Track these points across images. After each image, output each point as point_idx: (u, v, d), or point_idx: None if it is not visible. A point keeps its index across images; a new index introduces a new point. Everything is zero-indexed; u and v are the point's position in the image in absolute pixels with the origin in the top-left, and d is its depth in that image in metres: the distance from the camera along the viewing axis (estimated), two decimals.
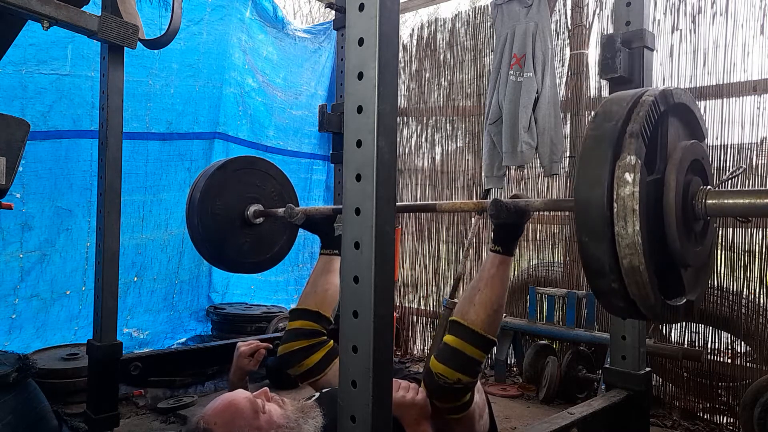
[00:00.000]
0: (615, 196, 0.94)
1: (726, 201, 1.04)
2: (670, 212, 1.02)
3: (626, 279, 0.96)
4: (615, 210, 0.94)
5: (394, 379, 1.50)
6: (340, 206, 1.97)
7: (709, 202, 1.05)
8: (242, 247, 2.28)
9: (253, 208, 2.27)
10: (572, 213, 3.85)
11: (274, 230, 2.39)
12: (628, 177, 0.93)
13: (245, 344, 1.89)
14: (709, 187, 1.08)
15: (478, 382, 1.52)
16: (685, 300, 1.11)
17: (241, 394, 1.40)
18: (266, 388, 1.46)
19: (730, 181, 2.85)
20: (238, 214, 2.25)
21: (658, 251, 1.01)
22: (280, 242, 2.41)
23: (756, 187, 2.94)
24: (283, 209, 2.05)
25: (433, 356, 1.43)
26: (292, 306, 1.93)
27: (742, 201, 1.03)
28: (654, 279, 0.98)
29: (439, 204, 1.66)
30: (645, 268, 0.94)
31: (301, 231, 2.19)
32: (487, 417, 1.57)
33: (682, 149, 1.07)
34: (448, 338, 1.41)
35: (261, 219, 2.30)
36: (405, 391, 1.42)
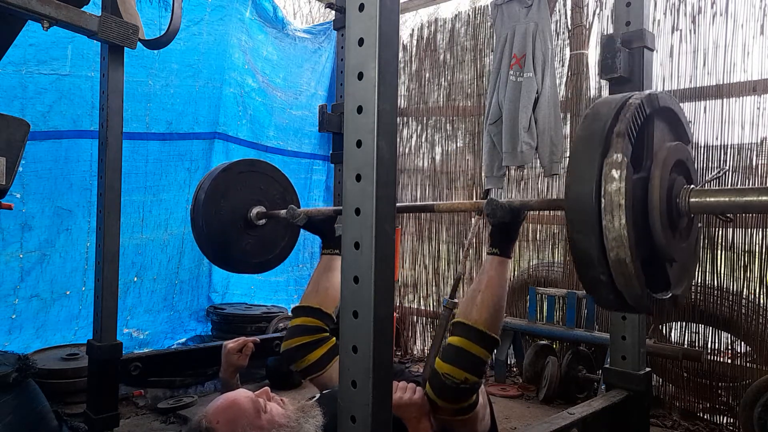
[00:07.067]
0: (603, 192, 0.98)
1: (708, 199, 1.09)
2: (654, 208, 1.06)
3: (613, 271, 1.00)
4: (603, 205, 0.98)
5: None
6: (341, 207, 1.99)
7: (692, 200, 1.10)
8: (246, 247, 2.30)
9: (256, 210, 2.29)
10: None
11: (277, 230, 2.41)
12: (615, 174, 0.97)
13: (232, 341, 1.90)
14: (692, 185, 1.12)
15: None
16: (670, 294, 1.15)
17: (242, 394, 1.40)
18: (267, 388, 1.47)
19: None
20: (241, 216, 2.27)
21: (644, 246, 1.05)
22: (282, 242, 2.44)
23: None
24: (285, 211, 2.08)
25: (437, 358, 1.43)
26: (293, 305, 1.95)
27: (723, 199, 1.07)
28: (640, 271, 1.01)
29: (438, 204, 1.69)
30: (631, 260, 0.98)
31: (301, 231, 2.20)
32: (488, 418, 1.57)
33: (667, 150, 1.11)
34: (452, 339, 1.42)
35: (264, 220, 2.32)
36: (402, 391, 1.43)
